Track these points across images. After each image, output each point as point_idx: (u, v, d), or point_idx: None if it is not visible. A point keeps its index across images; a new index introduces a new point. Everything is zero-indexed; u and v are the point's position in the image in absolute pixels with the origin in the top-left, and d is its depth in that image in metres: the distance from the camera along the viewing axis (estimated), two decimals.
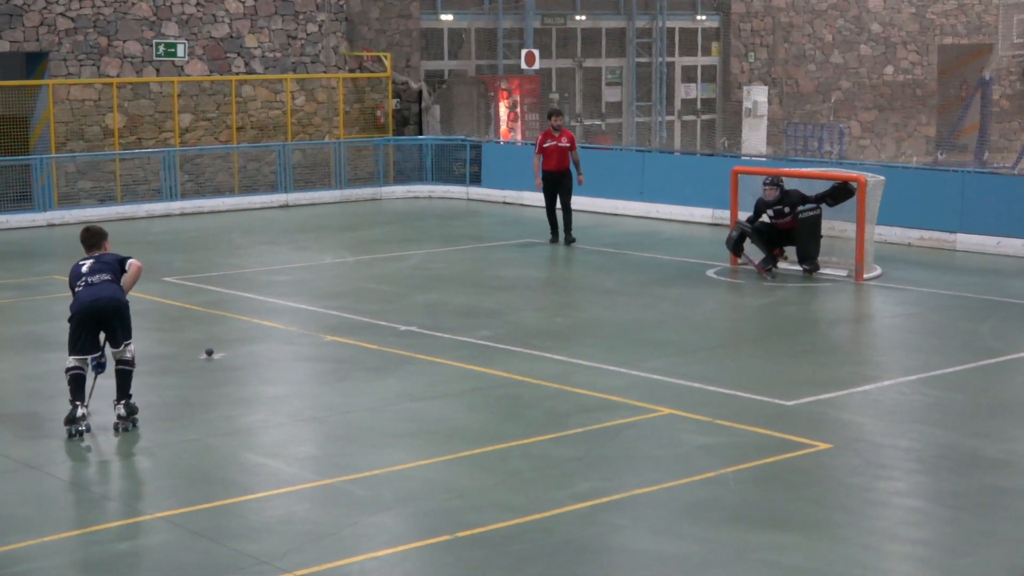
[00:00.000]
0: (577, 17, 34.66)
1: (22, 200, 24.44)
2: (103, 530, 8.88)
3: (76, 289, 11.19)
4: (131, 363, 11.26)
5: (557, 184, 21.29)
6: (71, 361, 11.08)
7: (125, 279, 11.29)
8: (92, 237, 11.54)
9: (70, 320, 11.14)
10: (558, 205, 21.36)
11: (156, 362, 13.51)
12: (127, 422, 11.17)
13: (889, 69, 39.55)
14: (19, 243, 22.24)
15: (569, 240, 21.26)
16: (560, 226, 21.30)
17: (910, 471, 10.06)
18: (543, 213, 21.73)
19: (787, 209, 17.96)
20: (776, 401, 11.83)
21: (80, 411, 10.95)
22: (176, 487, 9.78)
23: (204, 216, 25.57)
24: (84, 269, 11.25)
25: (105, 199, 25.69)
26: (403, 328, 14.93)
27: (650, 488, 9.55)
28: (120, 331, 11.15)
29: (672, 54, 36.40)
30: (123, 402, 11.20)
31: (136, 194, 26.18)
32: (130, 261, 11.37)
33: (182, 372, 13.10)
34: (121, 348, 11.19)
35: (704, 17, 36.76)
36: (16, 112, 25.79)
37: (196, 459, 10.40)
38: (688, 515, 9.04)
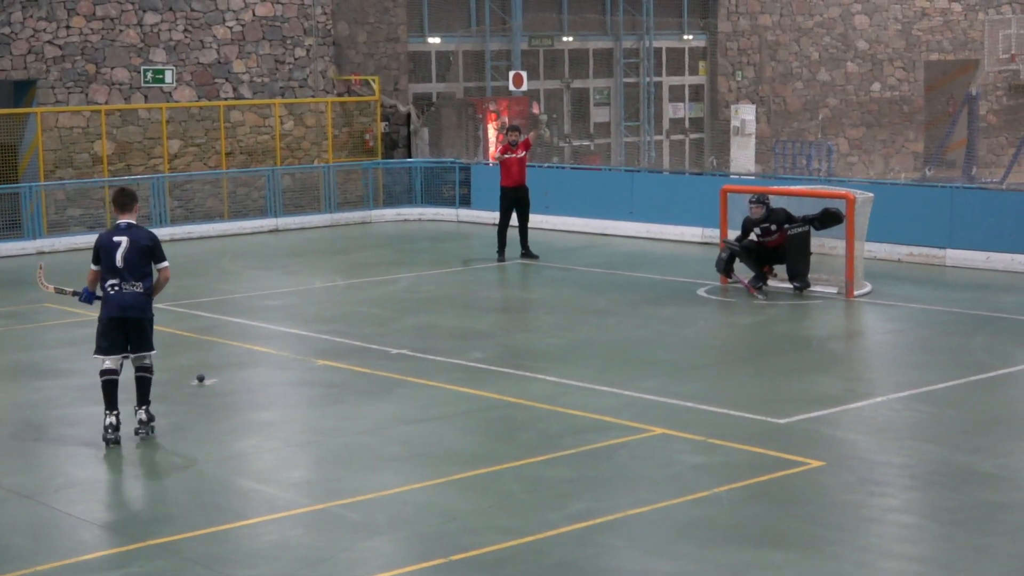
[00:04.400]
0: (564, 38, 34.73)
1: (11, 228, 24.42)
2: (96, 558, 8.85)
3: (107, 284, 11.54)
4: (150, 370, 11.69)
5: (517, 200, 21.74)
6: (103, 363, 11.51)
7: (155, 284, 11.69)
8: (124, 198, 11.79)
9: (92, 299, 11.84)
10: (513, 223, 21.71)
11: None
12: (146, 427, 11.64)
13: (876, 86, 39.67)
14: (8, 271, 22.21)
15: (529, 255, 21.64)
16: (517, 241, 21.69)
17: (904, 487, 10.06)
18: (532, 234, 21.78)
19: (774, 227, 17.99)
20: (769, 419, 11.84)
21: (109, 419, 11.37)
22: (169, 514, 9.75)
23: (194, 242, 25.56)
24: (118, 262, 11.49)
25: (95, 226, 25.65)
26: (395, 351, 14.92)
27: (644, 508, 9.54)
28: (143, 343, 11.62)
29: (660, 74, 36.48)
30: (143, 408, 11.67)
31: None
32: (162, 266, 11.68)
33: (174, 398, 13.08)
34: (141, 355, 11.63)
35: (691, 37, 36.86)
36: (4, 140, 25.79)
37: (189, 485, 10.38)
38: (682, 535, 9.04)
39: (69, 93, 26.27)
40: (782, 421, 11.78)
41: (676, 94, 37.04)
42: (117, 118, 26.72)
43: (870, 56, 39.45)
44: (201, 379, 13.64)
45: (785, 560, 8.58)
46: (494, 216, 25.70)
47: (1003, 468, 10.38)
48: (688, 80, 37.18)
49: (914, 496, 9.91)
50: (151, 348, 11.67)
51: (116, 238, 11.57)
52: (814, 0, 38.31)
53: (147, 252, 11.58)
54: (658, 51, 36.33)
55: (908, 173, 37.80)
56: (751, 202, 18.15)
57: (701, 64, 37.28)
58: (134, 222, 11.73)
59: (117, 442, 11.39)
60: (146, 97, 27.14)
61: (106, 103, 26.57)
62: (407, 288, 19.54)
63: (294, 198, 28.22)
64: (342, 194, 28.64)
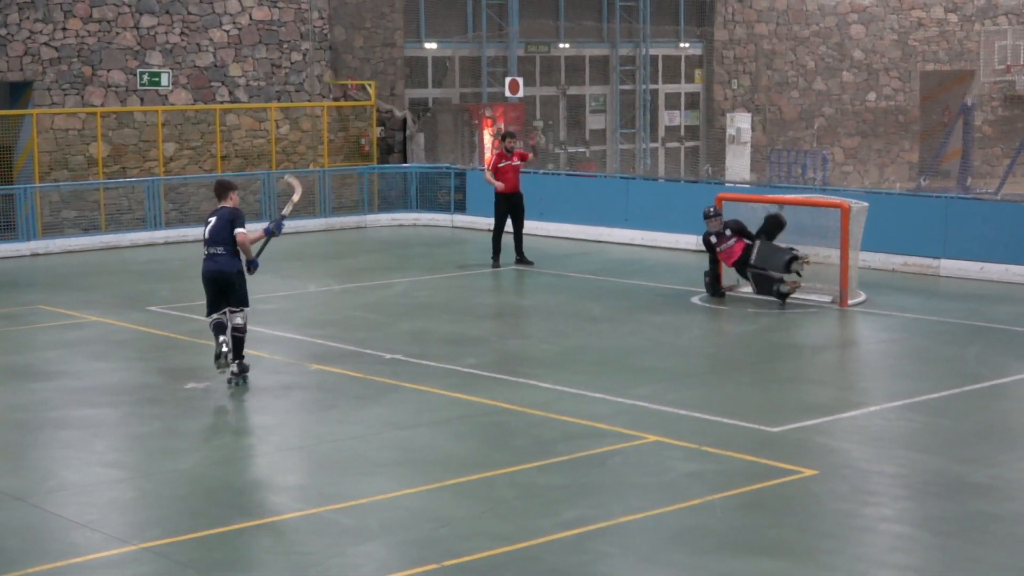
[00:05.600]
0: (561, 45, 34.75)
1: (6, 230, 24.39)
2: (88, 561, 8.83)
3: (204, 253, 13.55)
4: (242, 329, 13.46)
5: (512, 206, 21.78)
6: (211, 319, 13.49)
7: (239, 245, 13.41)
8: (218, 188, 13.79)
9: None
10: (507, 229, 21.78)
11: (142, 392, 13.48)
12: (238, 377, 13.50)
13: (872, 95, 39.72)
14: (2, 273, 22.17)
15: (523, 261, 21.72)
16: (511, 247, 21.75)
17: (897, 497, 10.07)
18: (527, 240, 21.77)
19: (728, 231, 18.22)
20: (762, 428, 11.84)
21: (223, 347, 13.23)
22: (162, 517, 9.74)
23: (189, 245, 25.51)
24: (206, 234, 13.51)
25: (89, 228, 25.65)
26: (389, 356, 14.92)
27: (637, 516, 9.54)
28: (232, 298, 13.47)
29: (656, 81, 36.51)
30: (237, 361, 13.47)
31: (120, 223, 26.14)
32: (236, 232, 13.34)
33: (168, 402, 13.06)
34: (234, 311, 13.43)
35: (687, 45, 36.90)
36: (0, 142, 25.75)
37: (182, 489, 10.36)
38: (675, 543, 9.03)
39: (65, 95, 26.26)
40: (775, 430, 11.78)
41: (672, 102, 37.07)
42: (113, 120, 26.70)
43: (866, 66, 39.51)
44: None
45: (777, 569, 8.57)
46: (489, 222, 25.57)
47: (996, 479, 10.38)
48: (684, 88, 37.21)
49: (907, 506, 9.91)
50: (242, 304, 13.48)
51: (210, 219, 13.59)
52: (810, 9, 38.37)
53: (227, 223, 13.39)
54: (654, 59, 36.36)
55: (903, 183, 37.85)
56: (709, 217, 18.43)
57: (697, 72, 37.31)
58: (228, 205, 13.53)
59: (227, 364, 13.28)
60: (142, 100, 27.13)
61: (102, 105, 26.55)
62: (402, 293, 19.53)
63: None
64: (337, 199, 28.63)
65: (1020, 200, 22.48)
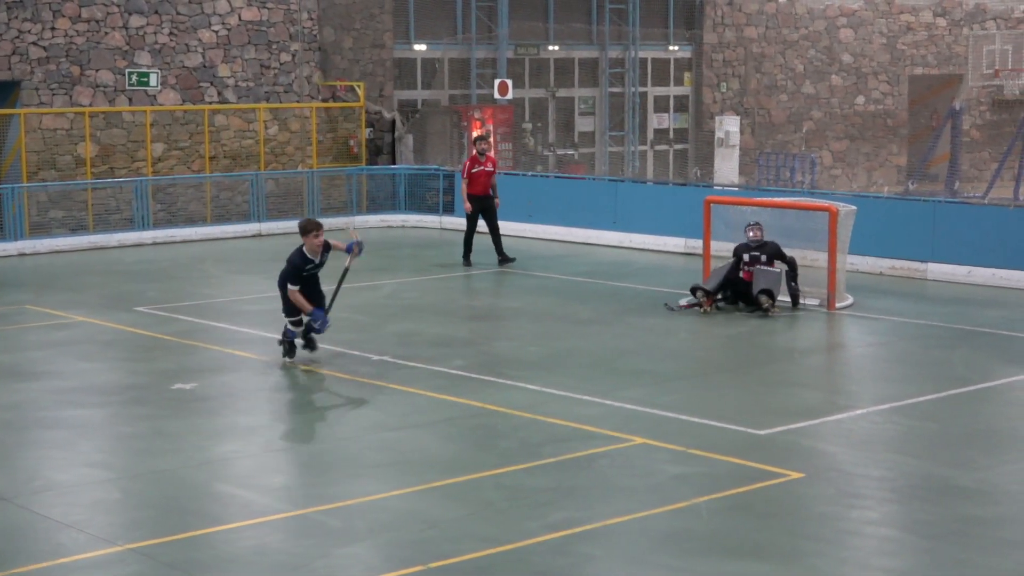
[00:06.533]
0: (550, 47, 34.77)
1: None
2: (74, 562, 8.82)
3: None
4: (283, 334, 14.76)
5: (483, 208, 22.11)
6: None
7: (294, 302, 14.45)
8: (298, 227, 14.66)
9: None
10: (483, 230, 22.09)
11: (128, 392, 13.46)
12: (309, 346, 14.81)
13: (860, 99, 39.78)
14: None
15: (506, 260, 21.98)
16: (491, 250, 22.00)
17: (883, 500, 10.08)
18: (514, 242, 21.81)
19: (764, 258, 17.75)
20: (749, 430, 11.85)
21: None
22: (148, 518, 9.72)
23: (176, 245, 25.51)
24: None
25: (77, 228, 25.60)
26: (376, 358, 14.91)
27: (623, 518, 9.54)
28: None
29: (645, 84, 36.53)
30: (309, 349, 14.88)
31: (108, 223, 26.08)
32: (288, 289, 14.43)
33: (154, 402, 13.04)
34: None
35: (676, 48, 36.94)
36: None
37: (168, 490, 10.35)
38: (662, 545, 9.04)
39: (53, 95, 26.21)
40: (762, 432, 11.80)
41: (661, 105, 37.10)
42: (101, 120, 26.66)
43: (855, 69, 39.57)
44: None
45: (763, 572, 8.58)
46: (481, 224, 25.62)
47: (983, 482, 10.41)
48: (673, 91, 37.25)
49: (893, 509, 9.93)
50: (285, 312, 14.56)
51: None
52: (800, 13, 38.42)
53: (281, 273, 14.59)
54: (643, 61, 36.39)
55: (891, 187, 37.91)
56: (750, 225, 17.90)
57: (686, 75, 37.35)
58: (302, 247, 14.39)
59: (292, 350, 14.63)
60: (130, 100, 27.09)
61: (90, 105, 26.50)
62: (389, 295, 19.53)
63: (277, 203, 28.17)
64: (326, 200, 28.60)
65: (1008, 204, 22.52)
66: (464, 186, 22.25)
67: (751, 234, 17.80)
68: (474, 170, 22.07)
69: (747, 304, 17.67)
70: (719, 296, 17.83)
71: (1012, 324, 16.99)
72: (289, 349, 14.76)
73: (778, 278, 17.64)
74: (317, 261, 14.35)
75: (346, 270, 15.06)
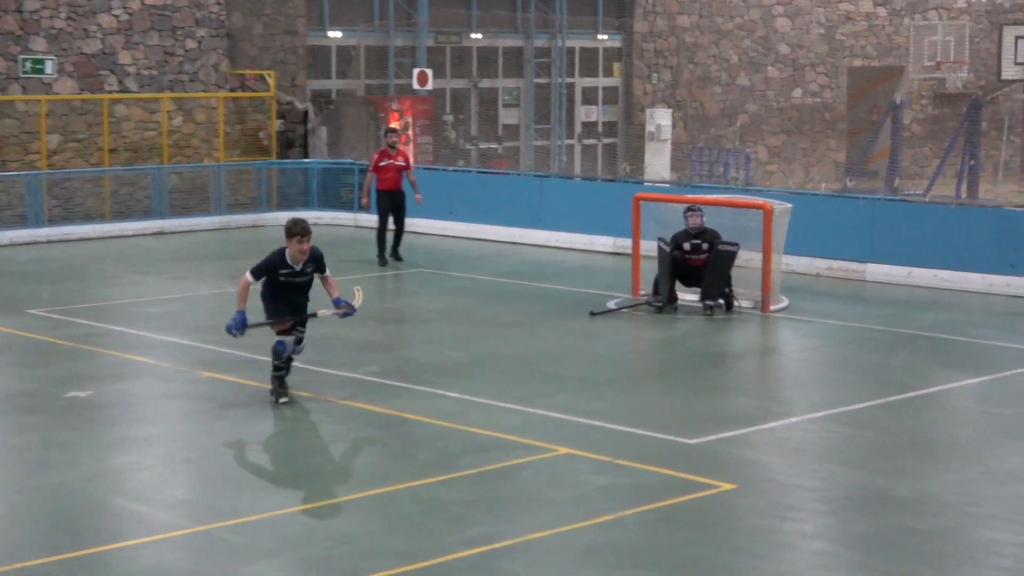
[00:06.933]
0: (473, 35, 34.77)
1: None
2: None
3: None
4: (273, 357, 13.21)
5: (393, 204, 22.34)
6: None
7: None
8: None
9: None
10: (392, 226, 22.33)
11: (17, 400, 13.30)
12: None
13: (797, 92, 40.14)
14: None
15: (398, 257, 22.26)
16: (390, 243, 22.32)
17: (817, 512, 10.15)
18: (436, 241, 21.79)
19: (705, 245, 17.88)
20: (678, 439, 11.90)
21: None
22: (37, 535, 9.59)
23: (72, 244, 25.23)
24: None
25: None
26: None
27: (546, 532, 9.54)
28: None
29: (572, 75, 36.64)
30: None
31: None
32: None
33: (46, 411, 12.88)
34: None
35: (606, 37, 37.07)
36: None
37: (60, 504, 10.21)
38: (586, 560, 9.04)
39: None
40: (692, 441, 11.85)
41: (589, 96, 37.23)
42: None
43: (791, 61, 39.91)
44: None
45: None
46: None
47: (920, 493, 10.51)
48: (602, 82, 37.38)
49: (828, 521, 10.00)
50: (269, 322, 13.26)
51: None
52: (734, 1, 38.70)
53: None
54: (571, 51, 36.49)
55: (829, 183, 38.26)
56: (690, 211, 17.95)
57: (616, 66, 37.49)
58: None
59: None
60: (24, 88, 26.76)
61: None
62: None
63: (181, 199, 27.95)
64: (233, 195, 28.42)
65: (949, 202, 22.84)
66: (368, 180, 22.40)
67: (692, 221, 17.89)
68: (383, 163, 22.20)
69: (697, 288, 17.86)
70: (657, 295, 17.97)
71: (953, 327, 17.20)
72: (280, 385, 13.19)
73: (732, 259, 17.73)
74: (297, 269, 12.94)
75: (313, 315, 13.41)
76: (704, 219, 18.00)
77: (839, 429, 12.40)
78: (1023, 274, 19.50)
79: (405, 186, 22.38)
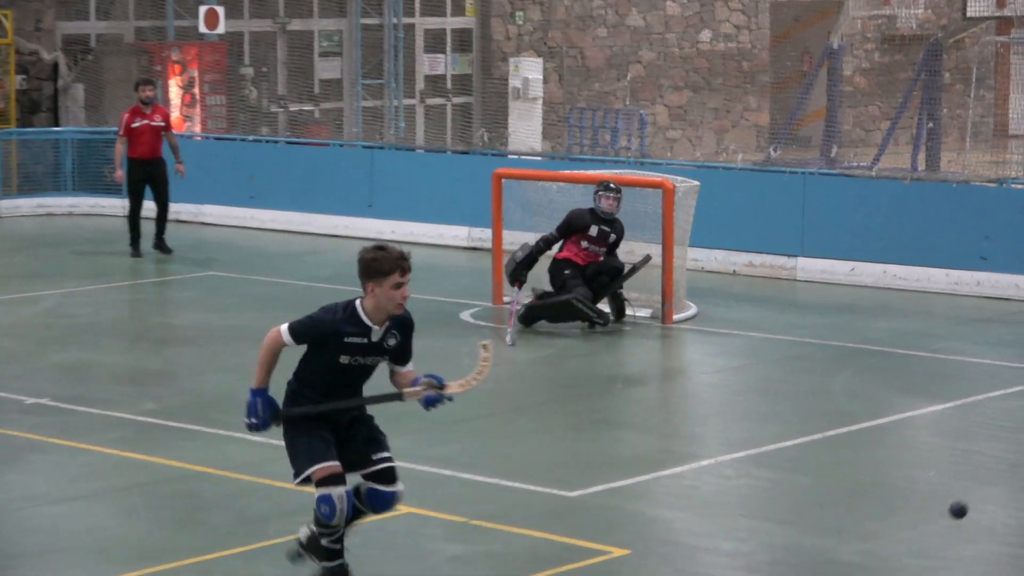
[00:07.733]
0: None
1: None
2: None
3: None
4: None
5: (149, 176, 22.67)
6: None
7: None
8: None
9: None
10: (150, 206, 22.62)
11: None
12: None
13: (706, 35, 40.51)
14: None
15: (164, 248, 22.49)
16: (153, 231, 22.60)
17: None
18: (231, 234, 21.70)
19: (613, 237, 17.91)
20: (555, 492, 11.96)
21: None
22: None
23: None
24: None
25: None
26: (30, 401, 14.69)
27: None
28: None
29: (411, 14, 36.64)
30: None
31: None
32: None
33: None
34: None
35: None
36: None
37: None
38: None
39: None
40: (573, 494, 11.91)
41: (434, 42, 37.25)
42: None
43: None
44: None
45: None
46: (177, 209, 25.41)
47: (868, 555, 10.65)
48: (451, 22, 37.45)
49: None
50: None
51: None
52: None
53: None
54: None
55: (747, 154, 38.67)
56: (604, 190, 17.78)
57: (468, 2, 37.59)
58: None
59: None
60: None
61: None
62: (51, 311, 19.24)
63: None
64: None
65: (903, 177, 23.06)
66: (120, 147, 22.58)
67: (605, 203, 17.73)
68: (135, 124, 22.34)
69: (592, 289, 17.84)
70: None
71: (909, 339, 17.47)
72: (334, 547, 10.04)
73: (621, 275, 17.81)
74: (374, 340, 9.91)
75: (399, 396, 10.48)
76: (620, 205, 17.87)
77: (763, 474, 12.54)
78: (997, 269, 19.80)
79: (165, 153, 22.33)
